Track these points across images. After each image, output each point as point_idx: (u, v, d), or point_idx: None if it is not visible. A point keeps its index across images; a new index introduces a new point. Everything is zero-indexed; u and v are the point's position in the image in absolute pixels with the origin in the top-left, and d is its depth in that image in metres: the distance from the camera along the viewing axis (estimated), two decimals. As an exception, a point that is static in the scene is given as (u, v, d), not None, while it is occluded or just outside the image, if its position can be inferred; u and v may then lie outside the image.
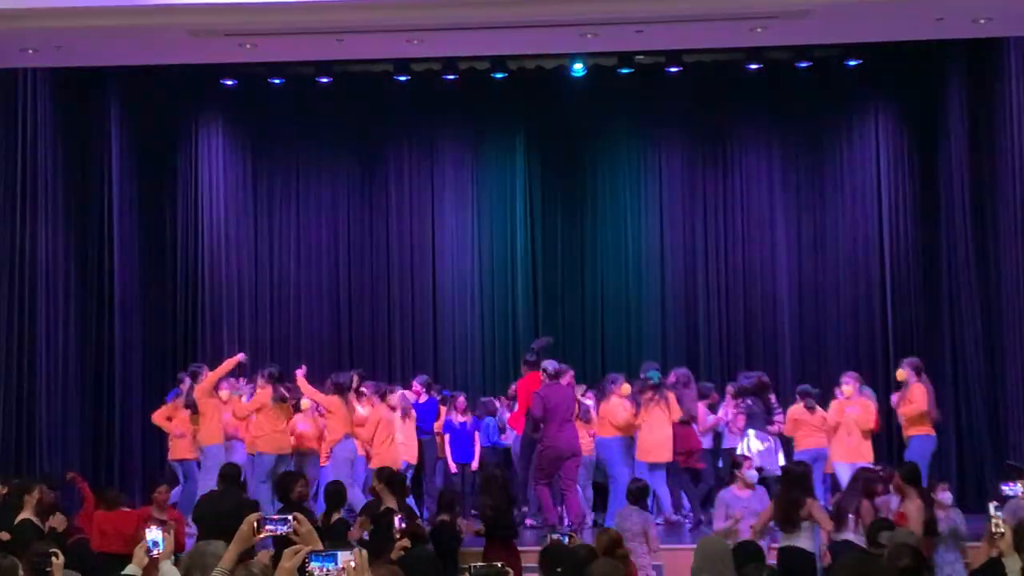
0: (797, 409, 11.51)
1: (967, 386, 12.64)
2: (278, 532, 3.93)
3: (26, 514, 8.36)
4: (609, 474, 11.37)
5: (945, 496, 8.60)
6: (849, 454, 10.86)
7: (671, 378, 11.85)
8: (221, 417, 11.43)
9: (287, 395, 11.36)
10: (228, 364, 11.62)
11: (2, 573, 5.16)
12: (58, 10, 9.02)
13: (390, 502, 8.52)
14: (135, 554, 5.15)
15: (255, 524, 3.94)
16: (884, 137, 14.17)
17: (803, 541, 7.99)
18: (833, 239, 14.44)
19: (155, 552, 5.00)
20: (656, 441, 11.16)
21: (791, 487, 8.21)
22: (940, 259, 13.41)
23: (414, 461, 11.69)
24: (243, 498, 8.68)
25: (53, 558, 5.23)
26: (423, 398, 12.49)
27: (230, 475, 9.15)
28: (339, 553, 3.53)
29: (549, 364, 11.16)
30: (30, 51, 9.90)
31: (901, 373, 11.21)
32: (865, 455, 10.84)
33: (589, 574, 5.13)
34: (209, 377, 11.49)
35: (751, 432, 11.52)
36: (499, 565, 4.48)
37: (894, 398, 11.32)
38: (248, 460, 11.37)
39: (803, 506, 7.99)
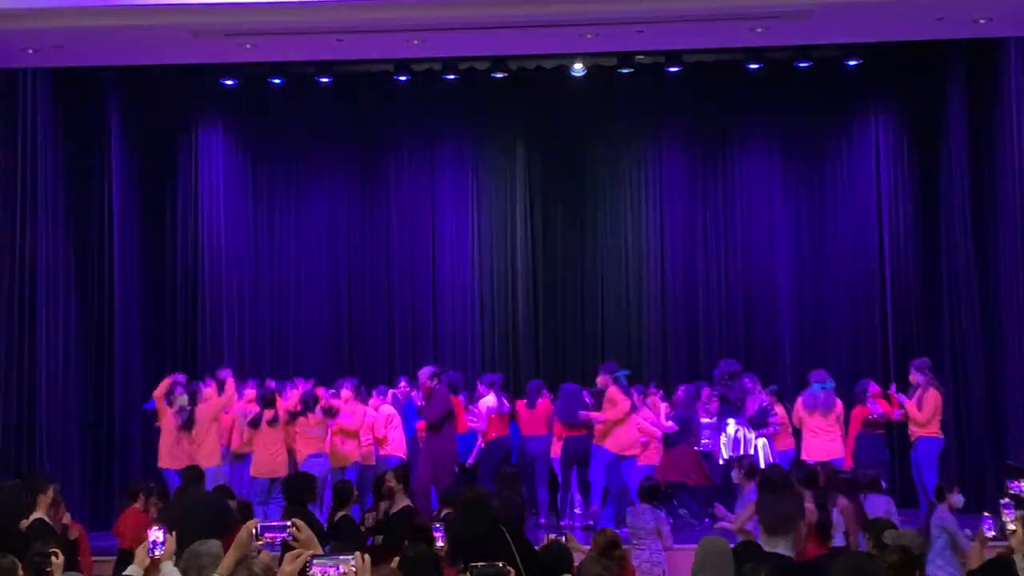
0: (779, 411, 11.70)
1: (967, 385, 12.64)
2: (277, 539, 3.92)
3: (39, 513, 8.39)
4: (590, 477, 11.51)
5: (958, 499, 8.64)
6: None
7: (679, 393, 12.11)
8: (219, 438, 11.45)
9: (275, 417, 11.43)
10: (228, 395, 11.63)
11: (2, 573, 5.16)
12: (58, 10, 9.03)
13: (404, 502, 8.50)
14: (136, 554, 5.17)
15: (254, 531, 3.93)
16: (884, 137, 14.16)
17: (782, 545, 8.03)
18: (833, 239, 14.43)
19: (156, 553, 5.01)
20: (629, 436, 11.38)
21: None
22: (940, 259, 13.41)
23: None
24: (210, 495, 8.74)
25: (53, 558, 5.24)
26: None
27: (194, 476, 9.17)
28: (341, 557, 3.54)
29: (427, 370, 11.45)
30: (30, 51, 9.91)
31: (913, 377, 11.31)
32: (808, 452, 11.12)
33: (580, 573, 5.13)
34: (215, 406, 11.46)
35: (730, 420, 11.62)
36: (500, 564, 4.46)
37: (903, 399, 11.42)
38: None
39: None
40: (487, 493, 7.84)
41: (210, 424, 11.33)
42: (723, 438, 11.62)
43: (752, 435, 11.68)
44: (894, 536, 6.71)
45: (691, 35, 10.44)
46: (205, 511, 7.84)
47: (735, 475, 10.38)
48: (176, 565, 5.05)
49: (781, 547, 7.80)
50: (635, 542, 8.85)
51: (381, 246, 14.98)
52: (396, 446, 11.86)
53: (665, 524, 8.91)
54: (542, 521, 11.75)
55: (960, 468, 12.41)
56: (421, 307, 14.91)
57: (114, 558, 8.88)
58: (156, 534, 5.05)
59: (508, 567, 4.39)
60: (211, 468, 11.07)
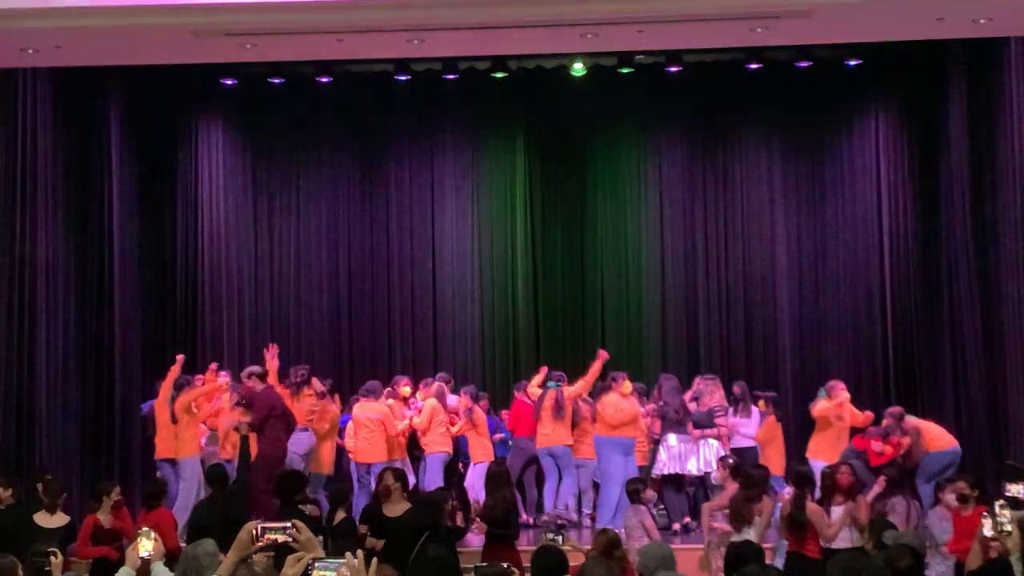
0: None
1: (967, 386, 12.63)
2: (278, 540, 3.92)
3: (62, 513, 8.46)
4: (600, 471, 11.46)
5: (952, 499, 8.69)
6: None
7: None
8: (198, 430, 11.42)
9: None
10: (173, 372, 11.57)
11: (2, 573, 5.17)
12: (58, 10, 9.01)
13: (402, 503, 8.46)
14: (127, 556, 5.21)
15: (254, 532, 3.93)
16: (884, 137, 14.17)
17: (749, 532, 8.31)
18: (833, 239, 14.45)
19: (146, 554, 5.04)
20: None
21: (748, 487, 8.54)
22: (940, 259, 13.40)
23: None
24: (235, 502, 8.73)
25: (52, 558, 5.26)
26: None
27: (216, 477, 9.15)
28: (343, 560, 3.56)
29: (256, 368, 11.27)
30: (30, 51, 9.89)
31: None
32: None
33: (582, 574, 5.14)
34: (193, 394, 11.42)
35: (671, 435, 11.59)
36: (505, 566, 4.48)
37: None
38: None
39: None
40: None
41: (183, 414, 11.27)
42: (661, 451, 11.62)
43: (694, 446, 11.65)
44: (894, 536, 6.73)
45: (691, 35, 10.43)
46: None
47: (716, 476, 10.48)
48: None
49: (749, 534, 8.05)
50: (626, 540, 8.93)
51: (381, 246, 14.99)
52: (441, 443, 11.84)
53: (646, 517, 8.98)
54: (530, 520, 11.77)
55: (960, 468, 12.39)
56: (421, 306, 14.92)
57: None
58: (146, 535, 5.08)
59: (512, 568, 4.40)
60: (189, 460, 11.07)
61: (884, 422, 11.28)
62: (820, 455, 11.21)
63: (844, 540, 8.14)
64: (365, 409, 11.72)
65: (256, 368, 11.32)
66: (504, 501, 8.48)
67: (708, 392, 11.91)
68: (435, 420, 11.81)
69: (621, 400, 11.33)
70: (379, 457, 11.46)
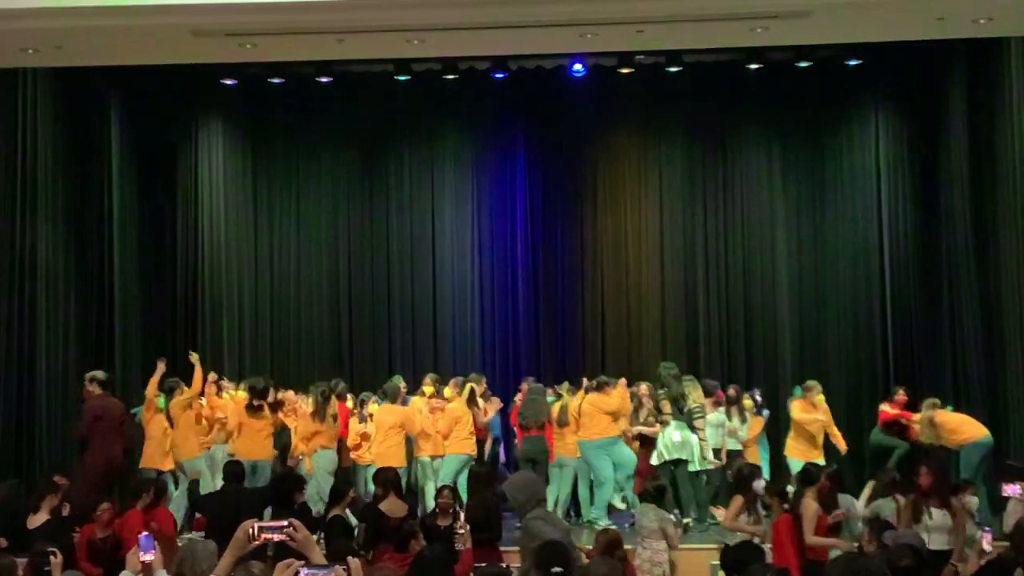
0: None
1: (967, 385, 12.64)
2: (275, 539, 3.92)
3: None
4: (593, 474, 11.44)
5: (970, 500, 8.71)
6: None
7: None
8: (195, 431, 11.33)
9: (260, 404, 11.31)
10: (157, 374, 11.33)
11: (2, 572, 5.18)
12: (58, 10, 9.00)
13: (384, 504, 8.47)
14: (127, 560, 5.22)
15: (251, 531, 3.93)
16: (884, 137, 14.18)
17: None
18: (833, 239, 14.45)
19: (147, 558, 5.06)
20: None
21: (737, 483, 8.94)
22: (940, 259, 13.41)
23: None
24: (248, 498, 8.72)
25: (52, 557, 5.26)
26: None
27: (232, 473, 9.14)
28: (332, 565, 3.56)
29: (100, 373, 10.94)
30: (30, 51, 9.89)
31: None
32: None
33: (586, 574, 5.14)
34: (187, 395, 11.28)
35: (672, 423, 11.56)
36: (504, 565, 4.48)
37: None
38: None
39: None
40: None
41: (179, 415, 11.13)
42: (660, 442, 11.57)
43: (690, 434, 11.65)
44: (894, 536, 6.73)
45: (691, 35, 10.42)
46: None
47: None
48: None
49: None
50: (638, 540, 8.91)
51: (381, 246, 15.00)
52: (464, 446, 11.71)
53: (670, 525, 8.96)
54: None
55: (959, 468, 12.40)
56: (421, 307, 14.92)
57: None
58: (145, 540, 5.09)
59: (510, 567, 4.40)
60: (191, 461, 11.02)
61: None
62: (796, 454, 11.32)
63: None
64: (386, 412, 11.58)
65: (99, 373, 10.94)
66: (486, 502, 8.42)
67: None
68: (459, 423, 11.68)
69: (601, 401, 11.29)
70: (403, 461, 11.37)
